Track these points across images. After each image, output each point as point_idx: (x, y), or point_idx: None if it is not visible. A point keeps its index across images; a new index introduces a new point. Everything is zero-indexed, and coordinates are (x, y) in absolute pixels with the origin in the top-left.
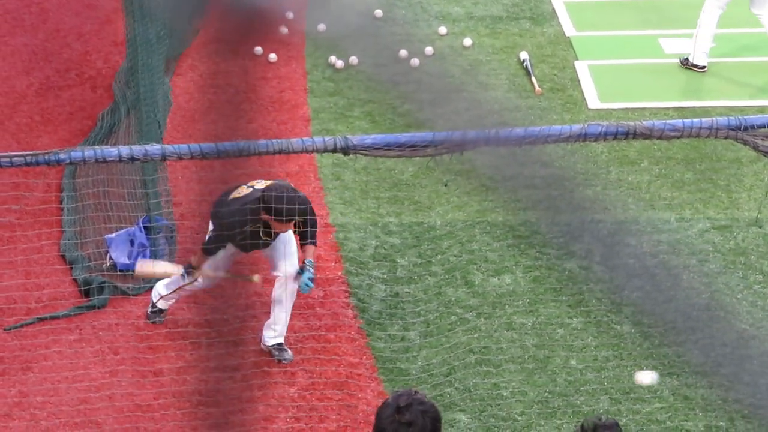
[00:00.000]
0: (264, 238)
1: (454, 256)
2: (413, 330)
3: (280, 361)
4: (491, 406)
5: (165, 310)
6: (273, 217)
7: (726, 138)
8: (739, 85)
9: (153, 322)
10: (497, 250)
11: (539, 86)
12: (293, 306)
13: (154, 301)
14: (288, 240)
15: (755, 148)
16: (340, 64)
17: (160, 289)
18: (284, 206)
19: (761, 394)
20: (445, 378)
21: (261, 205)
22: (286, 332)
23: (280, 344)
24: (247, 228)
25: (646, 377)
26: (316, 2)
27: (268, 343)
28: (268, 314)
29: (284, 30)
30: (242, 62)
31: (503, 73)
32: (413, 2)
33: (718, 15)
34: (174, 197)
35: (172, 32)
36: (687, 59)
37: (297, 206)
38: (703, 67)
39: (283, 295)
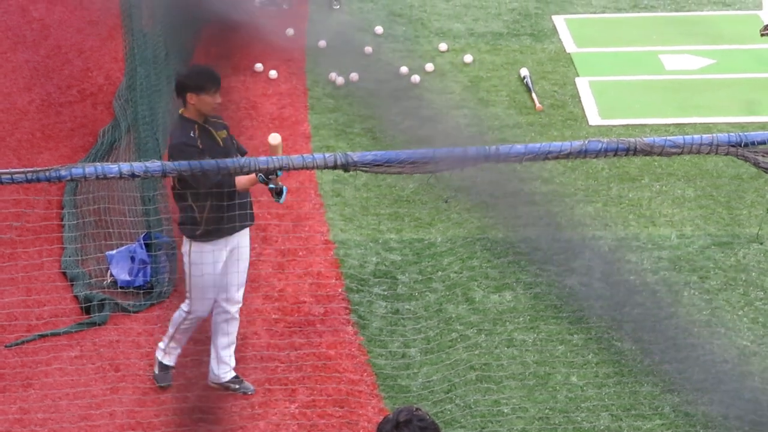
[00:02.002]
0: (219, 140)
1: (455, 272)
2: (414, 347)
3: (244, 393)
4: (492, 423)
5: (172, 366)
6: (197, 91)
7: (727, 154)
8: (740, 101)
9: (162, 386)
10: (498, 266)
11: (540, 103)
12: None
13: (159, 359)
14: (246, 257)
15: (756, 164)
16: (340, 80)
17: (161, 344)
18: (203, 70)
19: (762, 410)
20: (445, 395)
21: (182, 84)
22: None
23: (236, 376)
24: (192, 136)
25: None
26: (316, 19)
27: (225, 379)
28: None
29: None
30: (243, 79)
31: (504, 90)
32: (414, 19)
33: None
34: (174, 214)
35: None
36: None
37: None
38: None
39: (232, 318)
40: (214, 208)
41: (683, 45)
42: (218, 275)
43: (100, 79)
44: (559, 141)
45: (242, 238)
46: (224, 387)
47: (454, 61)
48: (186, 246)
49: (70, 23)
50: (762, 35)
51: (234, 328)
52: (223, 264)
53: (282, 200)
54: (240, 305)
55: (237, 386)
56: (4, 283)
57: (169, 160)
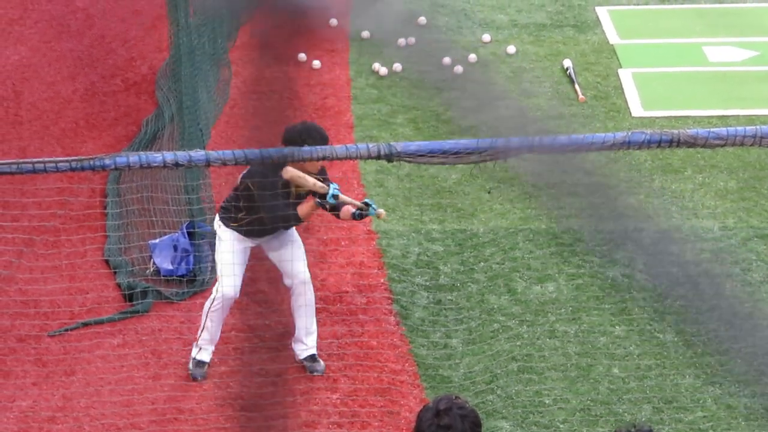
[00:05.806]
0: (295, 197)
1: (497, 263)
2: (456, 337)
3: (312, 372)
4: (533, 414)
5: (206, 362)
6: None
7: None
8: None
9: (195, 378)
10: (540, 257)
11: (583, 94)
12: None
13: (193, 355)
14: (294, 240)
15: None
16: (383, 71)
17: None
18: (320, 133)
19: None
20: (487, 385)
21: (298, 137)
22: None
23: (312, 356)
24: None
25: None
26: (360, 9)
27: (300, 357)
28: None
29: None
30: (286, 69)
31: (547, 81)
32: (457, 9)
33: None
34: (217, 203)
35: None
36: None
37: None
38: None
39: (303, 302)
40: (255, 220)
41: (727, 37)
42: (241, 258)
43: (143, 69)
44: (602, 132)
45: (274, 240)
46: (299, 362)
47: (497, 52)
48: (216, 224)
49: (113, 13)
50: None
51: (306, 312)
52: (271, 253)
53: (373, 212)
54: (306, 279)
55: (308, 365)
56: (47, 271)
57: (243, 180)
